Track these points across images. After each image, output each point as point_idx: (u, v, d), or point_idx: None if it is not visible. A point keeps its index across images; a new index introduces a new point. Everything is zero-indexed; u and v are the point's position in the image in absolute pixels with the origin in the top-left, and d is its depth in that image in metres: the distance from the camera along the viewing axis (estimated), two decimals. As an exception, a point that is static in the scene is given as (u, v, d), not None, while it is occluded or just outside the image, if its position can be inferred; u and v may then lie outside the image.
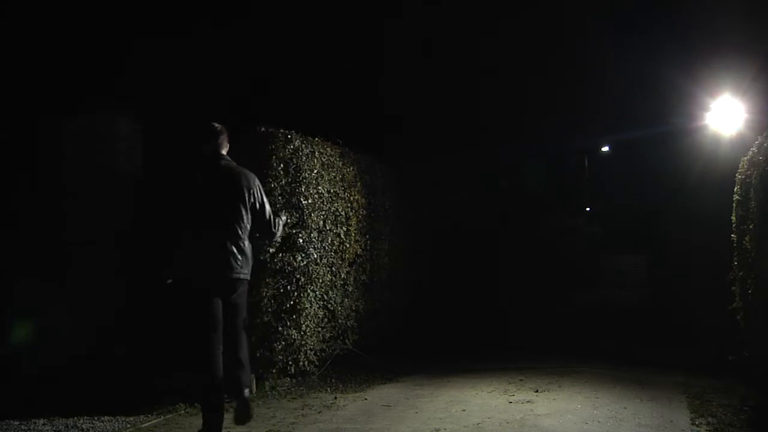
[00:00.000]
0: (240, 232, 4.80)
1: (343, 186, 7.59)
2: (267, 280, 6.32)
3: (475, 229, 11.68)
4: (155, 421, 5.33)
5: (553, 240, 17.26)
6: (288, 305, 6.49)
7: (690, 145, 11.55)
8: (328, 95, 12.17)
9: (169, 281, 4.83)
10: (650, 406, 5.75)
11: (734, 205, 6.43)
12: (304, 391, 6.43)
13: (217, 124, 5.00)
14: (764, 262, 5.42)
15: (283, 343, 6.47)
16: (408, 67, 13.31)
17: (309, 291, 6.80)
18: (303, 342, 6.72)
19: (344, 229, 7.57)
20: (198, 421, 4.85)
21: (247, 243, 4.86)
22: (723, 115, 9.64)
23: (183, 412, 5.54)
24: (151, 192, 6.36)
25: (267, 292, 6.33)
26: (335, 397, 6.19)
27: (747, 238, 5.88)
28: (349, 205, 7.71)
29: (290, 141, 6.59)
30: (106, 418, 5.38)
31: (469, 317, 10.58)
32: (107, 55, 10.00)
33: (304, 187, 6.72)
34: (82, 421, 5.32)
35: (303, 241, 6.68)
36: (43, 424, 5.24)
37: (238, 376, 4.73)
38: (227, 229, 4.76)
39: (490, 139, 14.76)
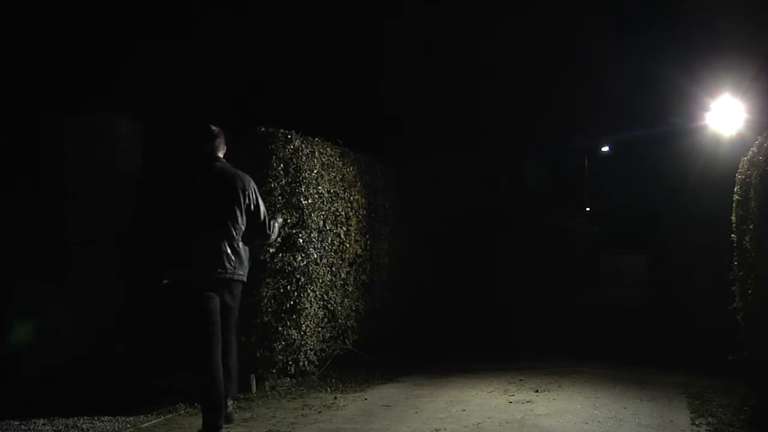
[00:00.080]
0: (234, 233, 4.84)
1: (343, 186, 7.59)
2: (267, 280, 6.32)
3: (475, 228, 11.68)
4: (155, 421, 5.33)
5: (553, 240, 17.25)
6: (288, 305, 6.49)
7: (690, 145, 11.55)
8: (328, 95, 12.17)
9: (166, 282, 4.85)
10: (650, 406, 5.75)
11: (734, 205, 6.43)
12: (304, 391, 6.43)
13: (214, 127, 5.07)
14: (764, 262, 5.42)
15: (283, 343, 6.47)
16: (408, 67, 13.31)
17: (309, 291, 6.80)
18: (303, 342, 6.72)
19: (344, 229, 7.57)
20: (198, 421, 4.85)
21: (241, 244, 4.90)
22: (723, 115, 9.64)
23: (183, 412, 5.54)
24: (151, 192, 6.36)
25: (267, 292, 6.33)
26: (335, 397, 6.19)
27: (747, 238, 5.88)
28: (349, 205, 7.71)
29: (290, 141, 6.59)
30: (106, 418, 5.38)
31: (469, 317, 10.58)
32: (107, 55, 10.00)
33: (304, 187, 6.72)
34: (82, 421, 5.32)
35: (303, 241, 6.68)
36: (43, 424, 5.24)
37: (223, 385, 4.77)
38: (221, 230, 4.81)
39: (490, 139, 14.76)
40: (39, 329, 6.34)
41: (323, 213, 7.11)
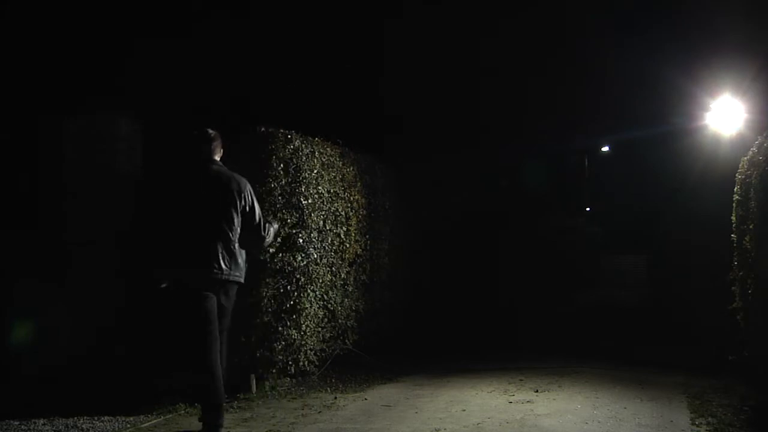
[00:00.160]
0: (230, 235, 4.88)
1: (343, 186, 7.59)
2: (267, 280, 6.32)
3: (475, 228, 11.68)
4: (155, 421, 5.33)
5: (553, 240, 17.24)
6: (288, 305, 6.49)
7: (690, 145, 11.55)
8: (328, 95, 12.17)
9: (164, 285, 4.87)
10: (650, 406, 5.76)
11: (734, 205, 6.43)
12: (304, 391, 6.43)
13: (211, 131, 5.14)
14: (764, 262, 5.42)
15: (283, 343, 6.47)
16: (408, 67, 13.31)
17: (309, 291, 6.80)
18: (303, 342, 6.72)
19: (344, 229, 7.57)
20: (198, 421, 4.86)
21: (237, 246, 4.93)
22: (723, 115, 9.64)
23: (183, 412, 5.54)
24: (151, 192, 6.36)
25: (267, 292, 6.33)
26: (335, 397, 6.19)
27: (747, 238, 5.88)
28: (349, 205, 7.71)
29: (290, 141, 6.59)
30: (106, 418, 5.38)
31: (469, 317, 10.58)
32: (107, 55, 9.99)
33: (304, 187, 6.72)
34: (82, 421, 5.32)
35: (303, 241, 6.68)
36: (43, 424, 5.24)
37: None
38: (217, 231, 4.83)
39: (490, 139, 14.76)
40: (39, 329, 6.34)
41: (323, 213, 7.11)
